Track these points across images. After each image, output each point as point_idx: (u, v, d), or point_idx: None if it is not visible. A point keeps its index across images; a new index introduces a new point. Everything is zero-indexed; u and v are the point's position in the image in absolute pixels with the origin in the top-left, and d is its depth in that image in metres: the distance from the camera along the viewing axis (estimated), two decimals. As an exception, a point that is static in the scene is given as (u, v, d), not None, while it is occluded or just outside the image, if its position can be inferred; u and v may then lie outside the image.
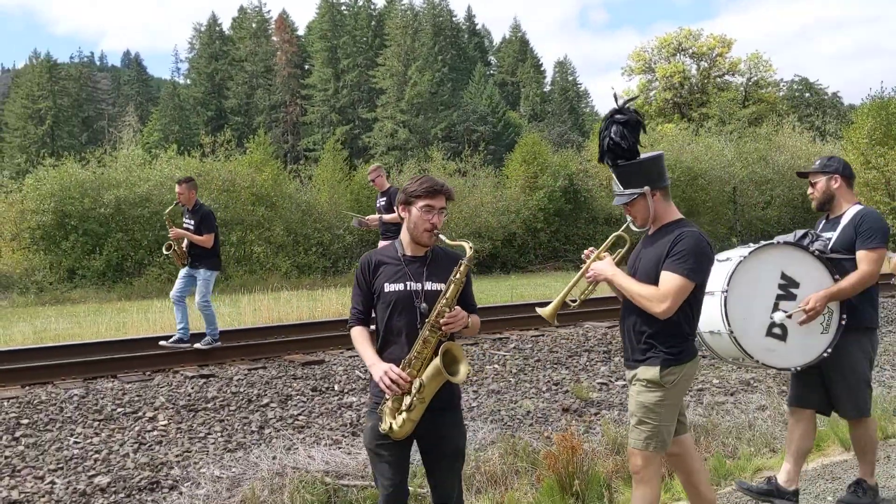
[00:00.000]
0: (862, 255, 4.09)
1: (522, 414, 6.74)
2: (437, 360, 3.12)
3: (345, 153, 33.84)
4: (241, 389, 6.76)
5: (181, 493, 5.10)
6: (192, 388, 6.69)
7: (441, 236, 3.34)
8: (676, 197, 28.96)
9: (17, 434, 5.73)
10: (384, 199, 9.26)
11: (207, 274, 8.42)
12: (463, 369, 3.18)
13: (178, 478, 5.28)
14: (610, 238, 3.68)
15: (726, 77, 48.75)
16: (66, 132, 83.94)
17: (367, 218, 9.74)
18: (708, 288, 3.54)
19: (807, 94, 58.30)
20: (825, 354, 4.12)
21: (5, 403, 6.15)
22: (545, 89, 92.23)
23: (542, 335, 9.22)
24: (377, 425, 3.23)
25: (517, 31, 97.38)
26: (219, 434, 5.98)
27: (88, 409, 6.20)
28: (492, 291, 18.02)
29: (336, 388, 6.94)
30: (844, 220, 4.20)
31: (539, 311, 3.77)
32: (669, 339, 3.34)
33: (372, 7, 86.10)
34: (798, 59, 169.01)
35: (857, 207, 4.23)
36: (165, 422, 6.10)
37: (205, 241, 8.25)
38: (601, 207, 29.28)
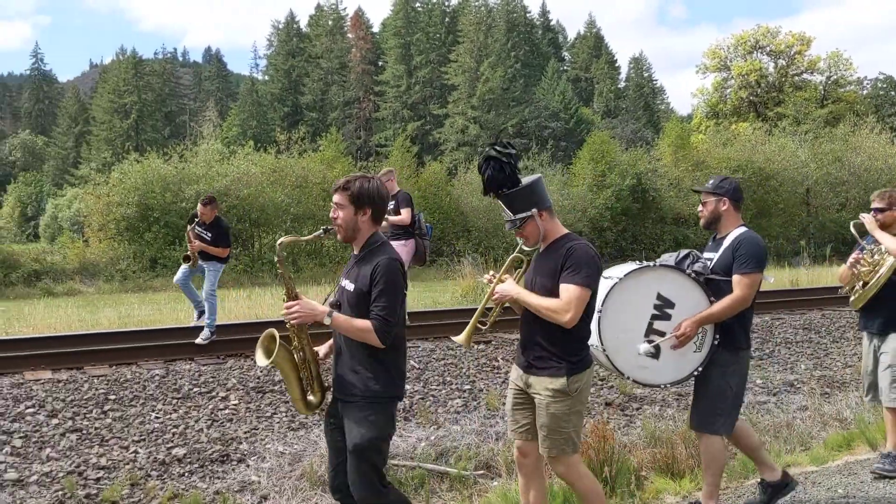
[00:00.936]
0: (736, 280, 4.17)
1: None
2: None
3: (414, 149, 34.32)
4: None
5: (248, 466, 5.69)
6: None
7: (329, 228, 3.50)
8: (747, 199, 28.76)
9: (106, 408, 6.41)
10: (392, 202, 9.36)
11: (217, 266, 8.94)
12: (263, 357, 3.46)
13: (245, 452, 5.87)
14: (508, 261, 3.83)
15: (804, 76, 47.52)
16: (150, 126, 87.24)
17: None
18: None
19: (892, 93, 56.32)
20: (696, 372, 4.25)
21: (95, 381, 6.85)
22: (619, 86, 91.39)
23: (593, 333, 9.54)
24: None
25: (592, 27, 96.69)
26: (283, 414, 6.55)
27: (168, 388, 6.85)
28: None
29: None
30: (726, 243, 4.31)
31: (454, 338, 4.00)
32: (571, 347, 3.57)
33: (446, 4, 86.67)
34: (885, 57, 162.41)
35: (739, 231, 4.31)
36: (236, 401, 6.71)
37: (221, 252, 8.86)
38: (669, 207, 29.16)
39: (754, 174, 28.42)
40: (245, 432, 6.18)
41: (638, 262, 4.44)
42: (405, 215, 8.97)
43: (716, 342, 4.24)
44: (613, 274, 4.40)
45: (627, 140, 60.80)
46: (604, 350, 4.20)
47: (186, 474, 5.54)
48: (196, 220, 8.82)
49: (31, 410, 6.23)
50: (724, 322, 4.21)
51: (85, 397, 6.52)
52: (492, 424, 6.52)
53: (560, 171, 29.87)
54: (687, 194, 29.78)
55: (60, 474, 5.36)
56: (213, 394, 6.85)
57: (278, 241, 3.55)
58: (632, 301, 4.23)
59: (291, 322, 3.43)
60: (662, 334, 4.20)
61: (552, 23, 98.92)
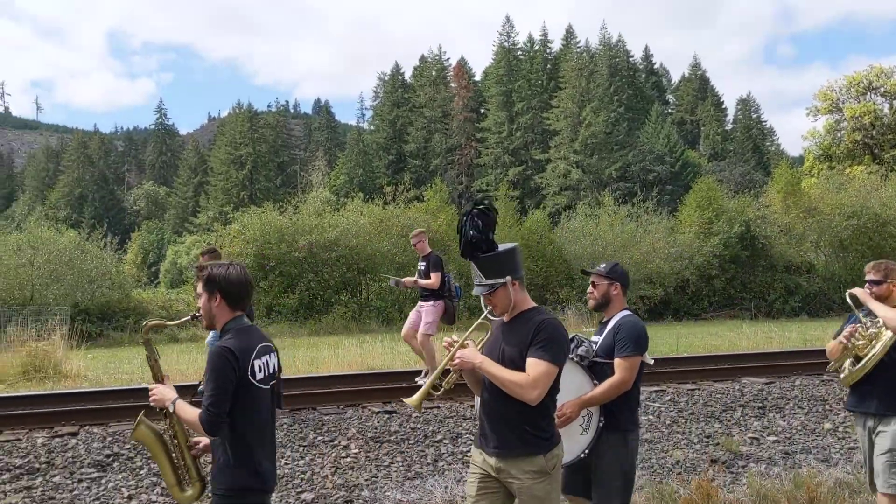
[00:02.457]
0: (617, 363, 4.17)
1: (672, 463, 7.24)
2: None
3: (516, 193, 34.76)
4: (419, 426, 7.76)
5: (368, 513, 6.11)
6: (378, 422, 7.75)
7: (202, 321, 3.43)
8: (862, 245, 27.71)
9: (241, 453, 7.00)
10: (424, 263, 9.49)
11: None
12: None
13: (367, 499, 6.31)
14: (472, 326, 3.73)
15: (922, 116, 45.53)
16: (263, 176, 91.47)
17: (403, 280, 10.04)
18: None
19: None
20: (583, 455, 4.20)
21: (231, 427, 7.49)
22: (727, 127, 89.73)
23: (699, 388, 9.59)
24: None
25: (697, 70, 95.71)
26: (400, 463, 6.97)
27: (294, 436, 7.41)
28: (659, 340, 18.15)
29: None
30: (609, 326, 4.35)
31: (405, 400, 3.83)
32: (541, 423, 3.43)
33: (548, 51, 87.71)
34: None
35: (622, 314, 4.34)
36: (356, 450, 7.18)
37: None
38: (780, 254, 28.45)
39: (870, 220, 27.45)
40: (366, 480, 6.62)
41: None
42: (434, 280, 9.13)
43: (601, 424, 4.20)
44: None
45: (736, 183, 59.46)
46: None
47: (311, 519, 6.01)
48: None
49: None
50: (610, 404, 4.17)
51: (222, 443, 7.15)
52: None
53: (666, 218, 29.60)
54: (799, 241, 28.95)
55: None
56: (335, 442, 7.34)
57: (144, 324, 3.56)
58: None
59: (154, 405, 3.39)
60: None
61: (655, 66, 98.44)
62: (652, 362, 4.69)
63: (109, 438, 7.17)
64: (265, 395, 3.31)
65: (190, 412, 3.23)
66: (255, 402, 3.24)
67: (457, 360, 3.50)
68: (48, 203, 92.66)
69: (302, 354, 15.42)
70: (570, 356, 4.17)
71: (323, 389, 9.14)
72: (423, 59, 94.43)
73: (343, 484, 6.53)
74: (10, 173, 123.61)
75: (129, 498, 6.17)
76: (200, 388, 3.29)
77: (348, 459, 7.02)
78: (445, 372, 3.60)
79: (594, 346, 4.33)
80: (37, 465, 6.62)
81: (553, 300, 24.85)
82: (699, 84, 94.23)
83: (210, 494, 3.31)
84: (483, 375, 3.48)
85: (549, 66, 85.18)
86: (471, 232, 3.50)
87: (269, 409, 3.37)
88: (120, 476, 6.52)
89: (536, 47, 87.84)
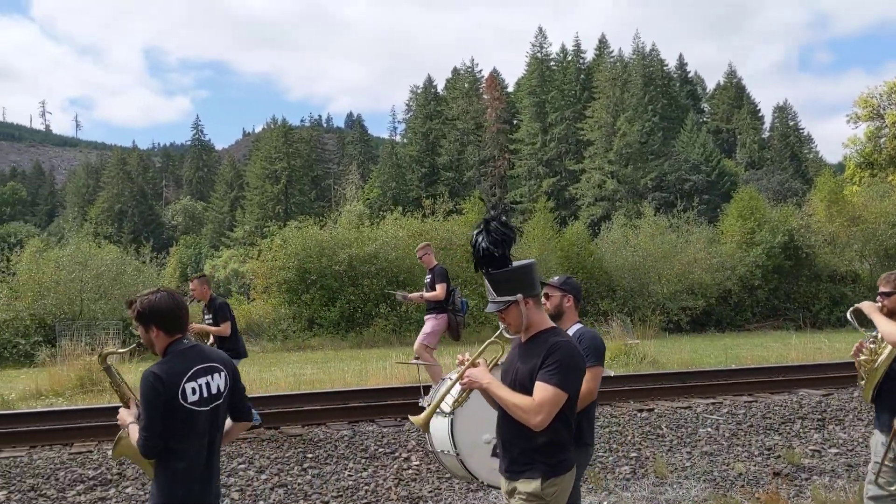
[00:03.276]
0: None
1: (734, 476, 7.20)
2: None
3: (550, 204, 34.71)
4: (478, 438, 7.82)
5: (436, 524, 6.16)
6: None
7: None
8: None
9: (305, 465, 7.11)
10: (429, 276, 9.47)
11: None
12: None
13: (432, 511, 6.36)
14: (484, 344, 3.63)
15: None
16: (298, 190, 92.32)
17: (410, 295, 10.08)
18: (442, 407, 3.60)
19: None
20: None
21: (293, 440, 7.59)
22: (763, 135, 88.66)
23: (756, 401, 9.51)
24: None
25: (732, 77, 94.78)
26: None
27: (356, 448, 7.50)
28: (705, 351, 18.03)
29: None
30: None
31: (412, 418, 3.76)
32: (549, 450, 3.29)
33: (581, 61, 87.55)
34: None
35: (578, 326, 4.33)
36: (417, 462, 7.25)
37: (222, 330, 8.32)
38: (825, 264, 28.07)
39: (913, 230, 27.07)
40: (429, 492, 6.68)
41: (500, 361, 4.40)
42: (440, 291, 9.05)
43: None
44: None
45: (774, 192, 58.78)
46: (457, 454, 4.09)
47: (382, 530, 6.08)
48: (192, 300, 8.50)
49: (242, 466, 7.01)
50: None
51: (286, 455, 7.26)
52: (662, 492, 6.72)
53: (706, 228, 29.36)
54: (843, 251, 28.52)
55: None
56: (396, 454, 7.42)
57: (97, 356, 3.56)
58: (483, 402, 4.01)
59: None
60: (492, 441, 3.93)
61: (690, 74, 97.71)
62: (612, 374, 4.53)
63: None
64: (202, 417, 3.28)
65: (132, 433, 3.27)
66: (187, 425, 3.23)
67: (465, 380, 3.45)
68: (89, 218, 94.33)
69: (346, 367, 15.59)
70: (496, 363, 4.08)
71: (378, 402, 9.24)
72: (455, 71, 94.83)
73: (407, 496, 6.59)
74: (52, 189, 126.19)
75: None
76: None
77: (410, 471, 7.08)
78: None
79: None
80: (109, 477, 6.79)
81: (594, 312, 24.74)
82: (735, 92, 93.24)
83: None
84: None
85: (582, 76, 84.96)
86: (483, 245, 3.40)
87: (207, 430, 3.33)
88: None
89: (569, 57, 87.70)
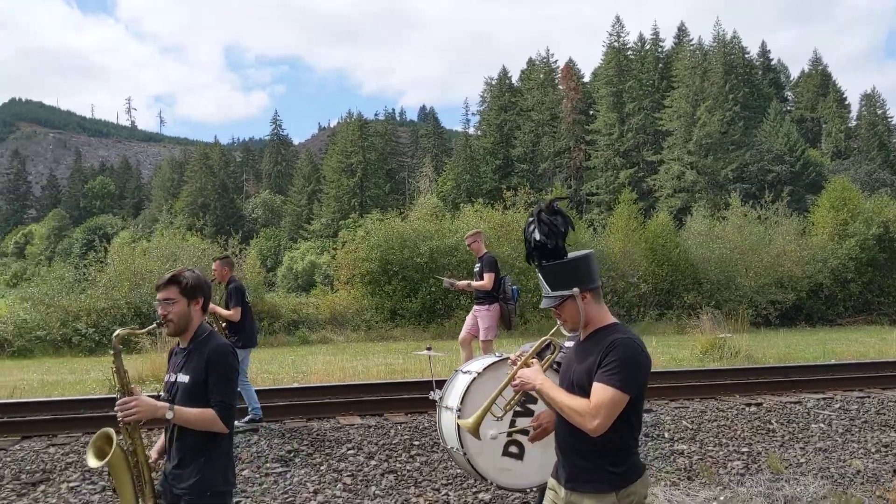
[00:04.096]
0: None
1: (852, 473, 6.97)
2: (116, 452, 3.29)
3: (634, 195, 34.11)
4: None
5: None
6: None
7: (166, 329, 3.35)
8: None
9: (412, 453, 7.19)
10: (477, 265, 9.20)
11: (242, 354, 8.09)
12: (94, 459, 3.27)
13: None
14: (538, 343, 3.40)
15: None
16: (373, 183, 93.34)
17: (457, 283, 9.65)
18: (446, 402, 3.42)
19: None
20: None
21: (399, 427, 7.69)
22: (850, 124, 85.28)
23: (868, 397, 9.17)
24: None
25: (817, 65, 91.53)
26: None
27: (461, 437, 7.54)
28: (799, 346, 17.48)
29: (666, 435, 7.67)
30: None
31: (460, 422, 3.57)
32: (614, 456, 3.00)
33: (659, 50, 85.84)
34: None
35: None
36: (524, 453, 7.25)
37: (231, 315, 8.16)
38: (923, 257, 26.90)
39: None
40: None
41: (498, 354, 4.11)
42: (487, 281, 8.79)
43: None
44: (472, 368, 4.09)
45: (862, 182, 56.42)
46: (464, 453, 3.88)
47: (495, 518, 6.10)
48: (213, 280, 8.31)
49: (351, 452, 7.14)
50: None
51: (393, 442, 7.36)
52: (778, 487, 6.55)
53: (795, 219, 28.42)
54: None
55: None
56: (501, 444, 7.42)
57: (114, 335, 3.43)
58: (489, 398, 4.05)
59: (128, 420, 3.23)
60: (527, 433, 3.72)
61: (773, 62, 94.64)
62: None
63: (288, 435, 7.50)
64: None
65: (193, 413, 3.23)
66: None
67: (517, 381, 3.20)
68: (174, 211, 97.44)
69: (436, 358, 15.68)
70: (551, 364, 3.87)
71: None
72: (530, 62, 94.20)
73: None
74: (139, 184, 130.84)
75: (315, 493, 6.43)
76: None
77: (517, 461, 7.09)
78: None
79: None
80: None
81: (679, 305, 24.28)
82: (820, 80, 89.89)
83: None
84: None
85: (660, 65, 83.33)
86: (535, 237, 3.18)
87: None
88: (302, 471, 6.80)
89: (647, 46, 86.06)
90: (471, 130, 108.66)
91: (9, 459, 6.81)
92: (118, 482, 3.33)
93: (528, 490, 4.33)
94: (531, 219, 3.22)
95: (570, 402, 2.98)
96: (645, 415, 8.06)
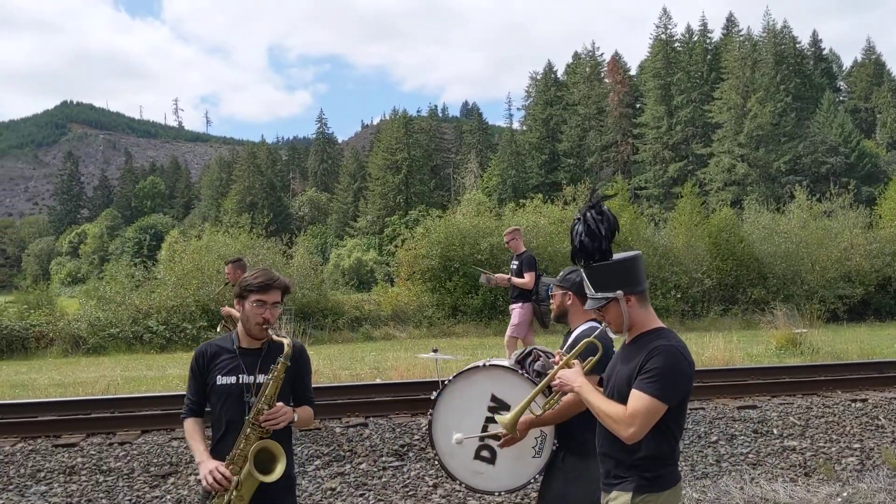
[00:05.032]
0: None
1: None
2: (248, 465, 3.18)
3: (697, 189, 33.74)
4: (689, 426, 7.75)
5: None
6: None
7: (270, 331, 3.33)
8: None
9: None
10: (516, 262, 9.11)
11: None
12: (279, 468, 3.21)
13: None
14: (581, 344, 3.34)
15: None
16: (418, 180, 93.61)
17: (495, 276, 9.54)
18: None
19: None
20: (533, 479, 3.89)
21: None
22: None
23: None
24: None
25: (871, 53, 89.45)
26: (684, 464, 6.99)
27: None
28: (876, 342, 17.13)
29: (775, 431, 7.63)
30: (570, 340, 3.88)
31: (497, 418, 3.50)
32: (644, 463, 2.97)
33: (707, 41, 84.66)
34: None
35: (582, 327, 3.85)
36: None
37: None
38: None
39: None
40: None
41: (484, 361, 4.07)
42: (528, 279, 8.75)
43: (555, 447, 3.82)
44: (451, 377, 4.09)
45: (923, 173, 55.00)
46: (436, 454, 3.95)
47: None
48: (227, 284, 8.56)
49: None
50: (566, 426, 3.72)
51: (502, 438, 7.43)
52: (900, 485, 6.49)
53: (862, 213, 27.84)
54: None
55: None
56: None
57: (284, 354, 3.29)
58: (464, 403, 3.98)
59: (275, 427, 3.25)
60: (498, 438, 3.72)
61: (825, 52, 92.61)
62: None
63: (398, 429, 7.62)
64: None
65: (304, 412, 3.43)
66: None
67: (556, 382, 3.18)
68: (224, 210, 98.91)
69: (502, 353, 15.74)
70: (521, 371, 3.94)
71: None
72: (576, 55, 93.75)
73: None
74: (188, 183, 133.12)
75: (435, 486, 6.55)
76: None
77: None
78: (547, 392, 3.31)
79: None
80: (341, 453, 7.15)
81: (744, 301, 23.97)
82: (874, 69, 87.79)
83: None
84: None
85: (709, 56, 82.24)
86: (581, 238, 3.11)
87: None
88: (418, 465, 6.91)
89: (695, 38, 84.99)
90: (514, 125, 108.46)
91: (135, 452, 7.05)
92: (244, 484, 3.22)
93: (499, 494, 4.28)
94: (577, 217, 3.17)
95: (606, 407, 2.96)
96: (751, 411, 8.04)
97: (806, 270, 24.32)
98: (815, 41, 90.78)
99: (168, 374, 14.64)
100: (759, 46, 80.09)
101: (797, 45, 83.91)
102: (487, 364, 4.04)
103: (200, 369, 3.33)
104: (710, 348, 13.66)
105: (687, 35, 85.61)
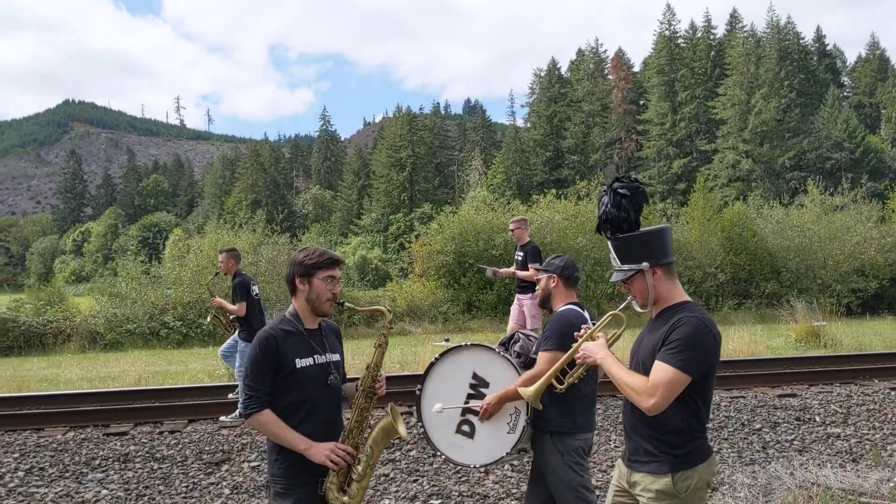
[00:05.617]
0: (539, 356, 3.94)
1: None
2: (388, 420, 3.33)
3: (710, 184, 33.70)
4: (732, 415, 7.81)
5: (723, 494, 6.23)
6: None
7: (348, 304, 3.47)
8: None
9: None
10: (521, 253, 9.16)
11: (243, 345, 8.27)
12: (402, 426, 3.36)
13: (720, 482, 6.42)
14: (605, 317, 3.37)
15: None
16: (423, 177, 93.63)
17: (501, 270, 9.66)
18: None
19: None
20: (509, 455, 4.05)
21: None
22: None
23: None
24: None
25: (875, 49, 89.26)
26: (728, 450, 7.05)
27: (614, 421, 7.64)
28: (893, 336, 17.17)
29: (817, 419, 7.69)
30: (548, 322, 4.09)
31: (521, 391, 3.52)
32: (674, 438, 2.94)
33: (711, 37, 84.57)
34: None
35: (561, 309, 4.10)
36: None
37: (236, 310, 8.22)
38: None
39: None
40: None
41: (468, 342, 4.36)
42: (533, 272, 8.75)
43: (527, 423, 3.97)
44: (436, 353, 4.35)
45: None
46: (422, 427, 4.21)
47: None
48: (218, 274, 8.61)
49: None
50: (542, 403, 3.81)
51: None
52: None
53: (875, 205, 27.87)
54: None
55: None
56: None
57: (388, 318, 3.49)
58: (448, 380, 4.22)
59: (382, 393, 3.41)
60: (476, 413, 4.06)
61: (829, 47, 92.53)
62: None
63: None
64: None
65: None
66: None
67: (580, 354, 3.20)
68: (227, 208, 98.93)
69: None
70: (501, 352, 4.16)
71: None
72: (579, 52, 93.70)
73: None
74: (191, 181, 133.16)
75: (486, 472, 6.60)
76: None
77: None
78: (571, 364, 3.35)
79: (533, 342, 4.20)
80: (391, 442, 7.20)
81: (757, 295, 24.01)
82: (878, 64, 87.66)
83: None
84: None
85: (713, 52, 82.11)
86: (607, 208, 3.11)
87: None
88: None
89: (699, 34, 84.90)
90: (518, 122, 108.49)
91: (186, 441, 7.11)
92: (375, 449, 3.35)
93: (475, 467, 4.59)
94: (604, 189, 3.19)
95: (628, 379, 2.93)
96: (791, 399, 8.09)
97: (819, 265, 24.35)
98: (819, 37, 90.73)
99: (190, 368, 14.69)
100: (763, 42, 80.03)
101: (801, 41, 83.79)
102: (469, 344, 4.29)
103: (275, 355, 3.20)
104: (734, 340, 13.70)
105: (691, 31, 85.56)
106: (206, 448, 6.96)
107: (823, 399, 8.11)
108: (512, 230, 9.67)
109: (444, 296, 24.95)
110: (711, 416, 7.79)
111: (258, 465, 6.66)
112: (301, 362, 3.24)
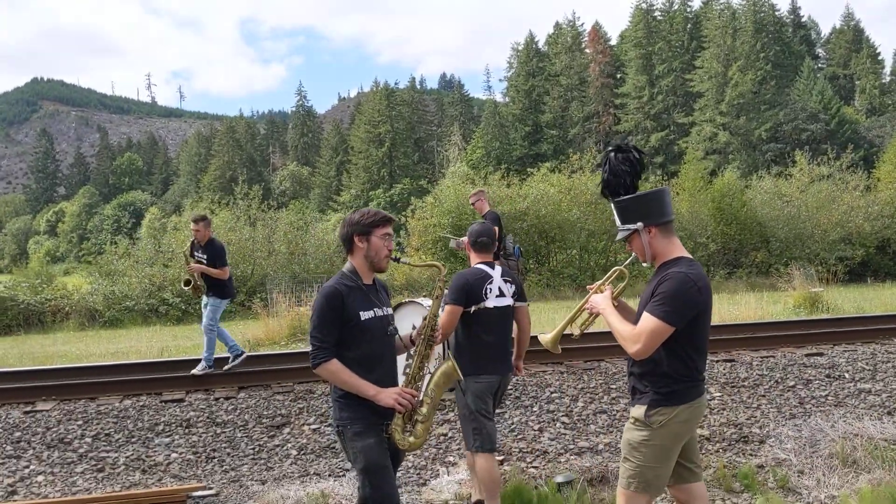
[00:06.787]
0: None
1: None
2: (449, 364, 3.63)
3: (699, 154, 34.11)
4: (765, 373, 8.11)
5: (771, 447, 6.52)
6: (724, 370, 8.16)
7: (405, 259, 3.82)
8: None
9: (613, 395, 7.55)
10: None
11: (216, 301, 8.64)
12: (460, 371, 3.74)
13: (760, 436, 6.71)
14: (612, 271, 3.71)
15: None
16: (402, 153, 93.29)
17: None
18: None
19: None
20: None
21: (589, 372, 8.08)
22: (884, 80, 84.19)
23: None
24: (383, 443, 3.44)
25: (849, 20, 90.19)
26: (768, 405, 7.34)
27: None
28: (880, 300, 17.65)
29: (846, 376, 8.02)
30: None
31: (540, 338, 3.91)
32: (658, 380, 3.30)
33: (688, 10, 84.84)
34: None
35: (466, 270, 4.83)
36: (720, 394, 7.61)
37: (221, 273, 8.54)
38: None
39: None
40: (747, 419, 7.02)
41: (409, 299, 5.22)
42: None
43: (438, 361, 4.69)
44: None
45: (902, 139, 55.93)
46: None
47: (720, 451, 6.47)
48: (193, 243, 8.80)
49: (556, 395, 7.53)
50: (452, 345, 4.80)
51: (590, 385, 7.74)
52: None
53: (861, 175, 28.44)
54: None
55: (600, 447, 6.53)
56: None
57: (444, 273, 3.88)
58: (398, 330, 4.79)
59: (440, 341, 3.81)
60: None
61: (804, 19, 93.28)
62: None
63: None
64: None
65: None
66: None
67: (588, 304, 3.61)
68: (203, 185, 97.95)
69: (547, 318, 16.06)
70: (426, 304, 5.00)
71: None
72: (557, 25, 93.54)
73: (726, 423, 6.96)
74: (166, 159, 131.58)
75: (540, 430, 6.82)
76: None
77: (715, 402, 7.45)
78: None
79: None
80: (444, 402, 7.40)
81: (748, 264, 24.49)
82: (853, 35, 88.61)
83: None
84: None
85: (689, 25, 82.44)
86: (606, 175, 3.47)
87: None
88: (518, 412, 7.17)
89: (676, 7, 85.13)
90: (496, 97, 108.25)
91: (243, 406, 7.26)
92: (437, 392, 3.63)
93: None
94: (606, 157, 3.51)
95: (620, 327, 3.33)
96: (819, 358, 8.40)
97: (807, 234, 24.86)
98: (794, 8, 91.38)
99: (197, 343, 14.77)
100: (739, 14, 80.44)
101: (776, 13, 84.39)
102: (409, 301, 6.13)
103: (341, 309, 3.39)
104: (741, 307, 14.08)
105: (667, 4, 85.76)
106: (265, 413, 7.11)
107: (850, 357, 8.44)
108: (472, 203, 9.91)
109: (440, 270, 25.10)
110: (746, 374, 8.09)
111: (318, 428, 6.84)
112: (364, 315, 3.46)
